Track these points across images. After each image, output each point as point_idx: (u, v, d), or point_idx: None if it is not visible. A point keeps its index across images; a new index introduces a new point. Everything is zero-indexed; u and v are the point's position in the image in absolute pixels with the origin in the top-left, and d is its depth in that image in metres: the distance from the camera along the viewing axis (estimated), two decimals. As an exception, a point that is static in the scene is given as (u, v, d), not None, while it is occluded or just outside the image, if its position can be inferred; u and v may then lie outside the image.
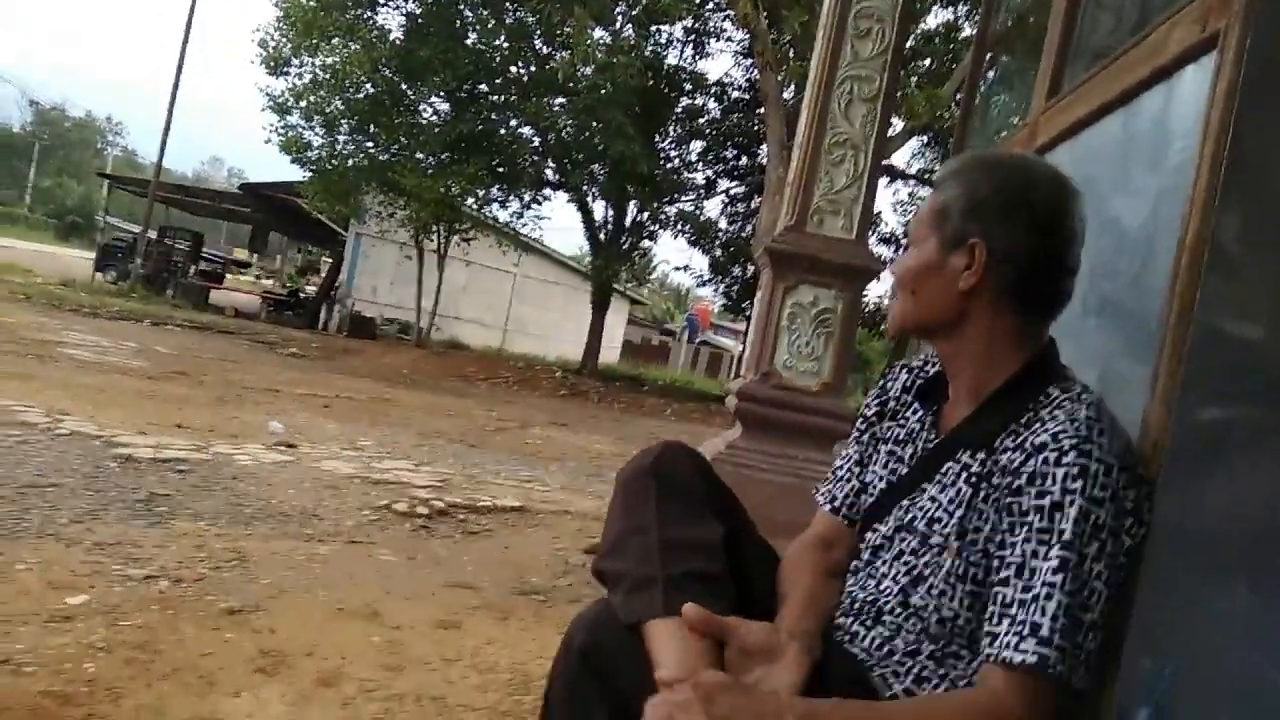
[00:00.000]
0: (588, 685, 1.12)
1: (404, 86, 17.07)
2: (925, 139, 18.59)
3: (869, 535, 1.24)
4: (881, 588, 1.18)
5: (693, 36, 19.21)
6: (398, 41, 16.65)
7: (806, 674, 1.06)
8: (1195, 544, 0.96)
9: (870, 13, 3.66)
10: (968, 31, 15.33)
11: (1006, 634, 0.98)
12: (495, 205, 18.89)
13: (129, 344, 10.44)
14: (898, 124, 14.38)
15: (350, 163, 17.66)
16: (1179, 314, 1.04)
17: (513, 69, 17.57)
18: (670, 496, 1.19)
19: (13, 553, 2.78)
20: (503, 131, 17.65)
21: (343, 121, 17.52)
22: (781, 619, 1.15)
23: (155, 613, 2.51)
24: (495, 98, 17.74)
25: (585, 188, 18.88)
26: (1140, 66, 1.31)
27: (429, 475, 5.30)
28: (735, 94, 20.07)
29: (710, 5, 18.51)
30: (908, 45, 14.14)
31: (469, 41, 16.92)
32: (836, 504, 1.34)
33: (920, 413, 1.26)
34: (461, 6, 17.04)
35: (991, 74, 3.67)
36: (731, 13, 16.12)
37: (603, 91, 15.81)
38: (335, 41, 16.55)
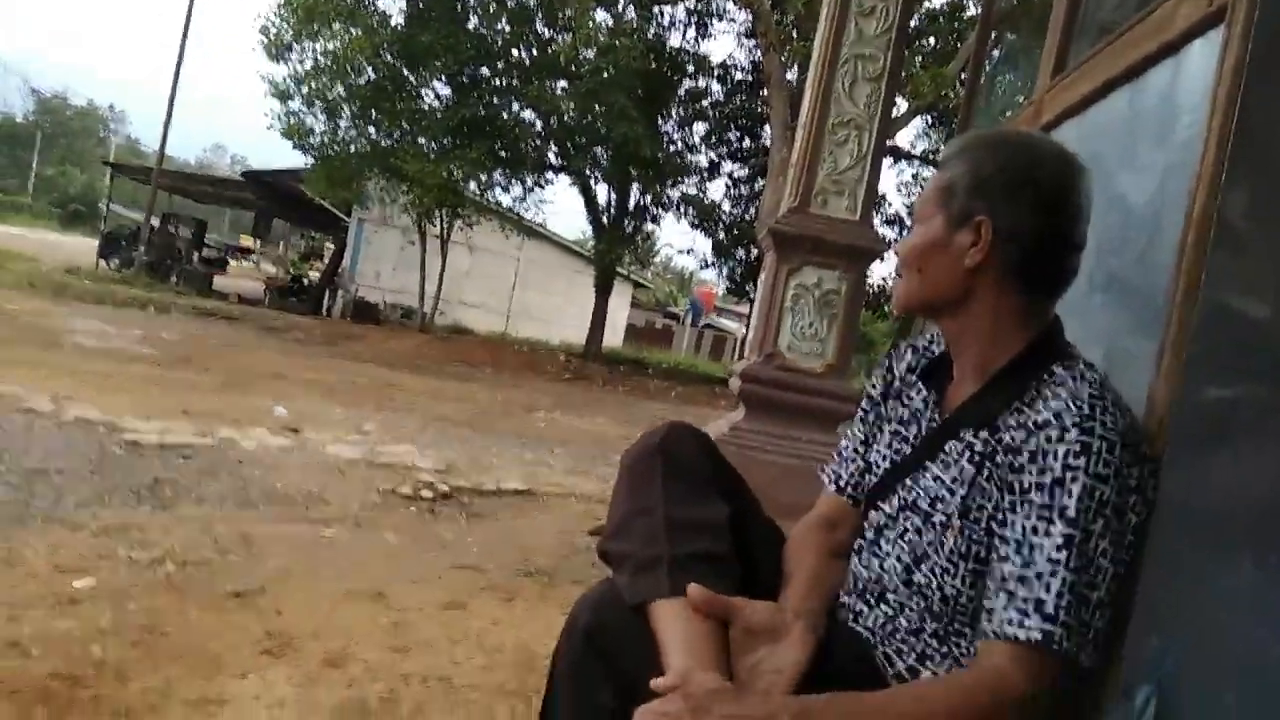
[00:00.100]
0: (592, 665, 1.12)
1: (405, 71, 16.97)
2: (930, 119, 18.50)
3: (873, 514, 1.24)
4: (885, 566, 1.18)
5: (695, 17, 19.10)
6: (399, 26, 16.55)
7: (811, 653, 1.06)
8: (1201, 522, 0.95)
9: (875, -10, 3.63)
10: (972, 10, 15.22)
11: (1006, 609, 0.98)
12: (498, 190, 18.83)
13: (133, 331, 10.46)
14: (902, 104, 14.31)
15: (352, 148, 17.60)
16: (1185, 291, 1.03)
17: (514, 53, 17.47)
18: (676, 477, 1.19)
19: (20, 537, 2.80)
20: (505, 115, 17.57)
21: (344, 107, 17.44)
22: (786, 598, 1.16)
23: (161, 596, 2.52)
24: (497, 82, 17.65)
25: (588, 171, 18.81)
26: (1147, 42, 1.30)
27: (434, 459, 5.31)
28: (738, 75, 19.96)
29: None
30: (912, 24, 14.05)
31: (470, 25, 16.82)
32: (841, 484, 1.34)
33: (924, 392, 1.26)
34: (462, -10, 16.95)
35: (996, 53, 3.65)
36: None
37: (605, 74, 15.73)
38: (336, 27, 16.44)
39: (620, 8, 17.47)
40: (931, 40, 16.44)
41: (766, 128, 17.29)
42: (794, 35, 14.29)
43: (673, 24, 19.09)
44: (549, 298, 26.25)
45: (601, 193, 19.80)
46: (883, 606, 1.16)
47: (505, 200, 19.39)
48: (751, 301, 19.20)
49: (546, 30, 17.18)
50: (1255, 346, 0.94)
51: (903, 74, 10.97)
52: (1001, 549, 1.02)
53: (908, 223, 17.68)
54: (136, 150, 69.45)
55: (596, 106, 16.44)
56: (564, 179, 19.60)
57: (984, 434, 1.11)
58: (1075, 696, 1.04)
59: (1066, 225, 1.12)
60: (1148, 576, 0.97)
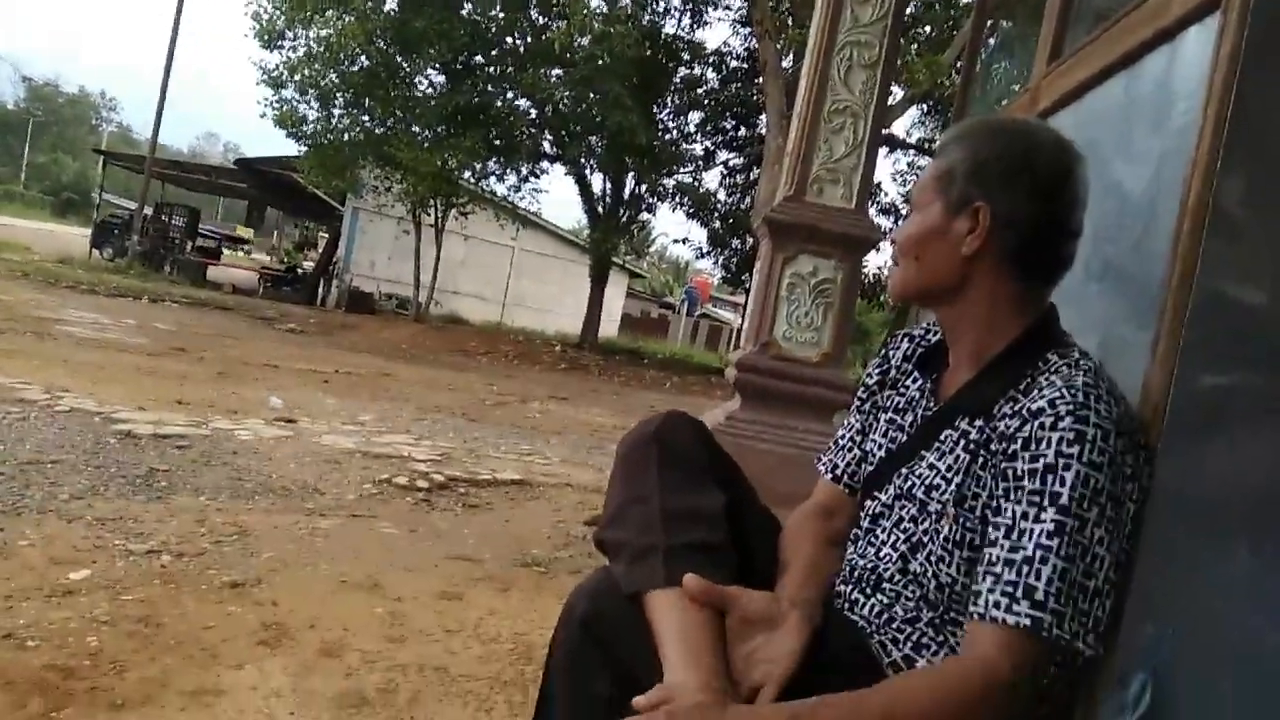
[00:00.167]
0: (589, 654, 1.12)
1: (399, 59, 16.90)
2: (925, 107, 18.45)
3: (869, 503, 1.24)
4: (881, 555, 1.18)
5: (690, 5, 19.00)
6: (392, 13, 16.45)
7: (807, 641, 1.06)
8: (1196, 509, 0.96)
9: (870, -23, 3.62)
10: (968, -2, 15.18)
11: (993, 591, 0.98)
12: (492, 179, 18.78)
13: (127, 321, 10.43)
14: (898, 92, 14.26)
15: (346, 137, 17.54)
16: (1180, 278, 1.03)
17: (509, 40, 17.40)
18: (672, 465, 1.19)
19: (14, 529, 2.79)
20: (499, 104, 17.50)
21: (338, 95, 17.36)
22: (782, 587, 1.16)
23: (157, 587, 2.52)
24: (491, 69, 17.58)
25: (583, 160, 18.76)
26: (1143, 28, 1.30)
27: (429, 449, 5.31)
28: (734, 63, 19.89)
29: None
30: (908, 11, 14.01)
31: (464, 12, 16.74)
32: (838, 472, 1.34)
33: (920, 381, 1.26)
34: (456, -24, 16.85)
35: (992, 40, 3.64)
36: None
37: (600, 62, 15.67)
38: (329, 14, 16.36)
39: (615, -6, 17.39)
40: (927, 28, 16.38)
41: (762, 116, 17.24)
42: (789, 23, 14.25)
43: (668, 11, 19.00)
44: (544, 287, 26.22)
45: (596, 182, 19.77)
46: (878, 595, 1.16)
47: (500, 189, 19.36)
48: (747, 291, 19.21)
49: (541, 17, 17.11)
50: (1250, 334, 0.93)
51: (898, 62, 10.94)
52: (992, 534, 1.02)
53: (903, 212, 17.67)
54: (129, 138, 69.23)
55: (591, 94, 16.38)
56: (559, 168, 19.55)
57: (979, 422, 1.11)
58: (1073, 684, 1.04)
59: (1063, 212, 1.12)
60: (1143, 564, 0.97)
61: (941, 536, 1.10)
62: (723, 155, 21.06)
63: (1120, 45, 1.38)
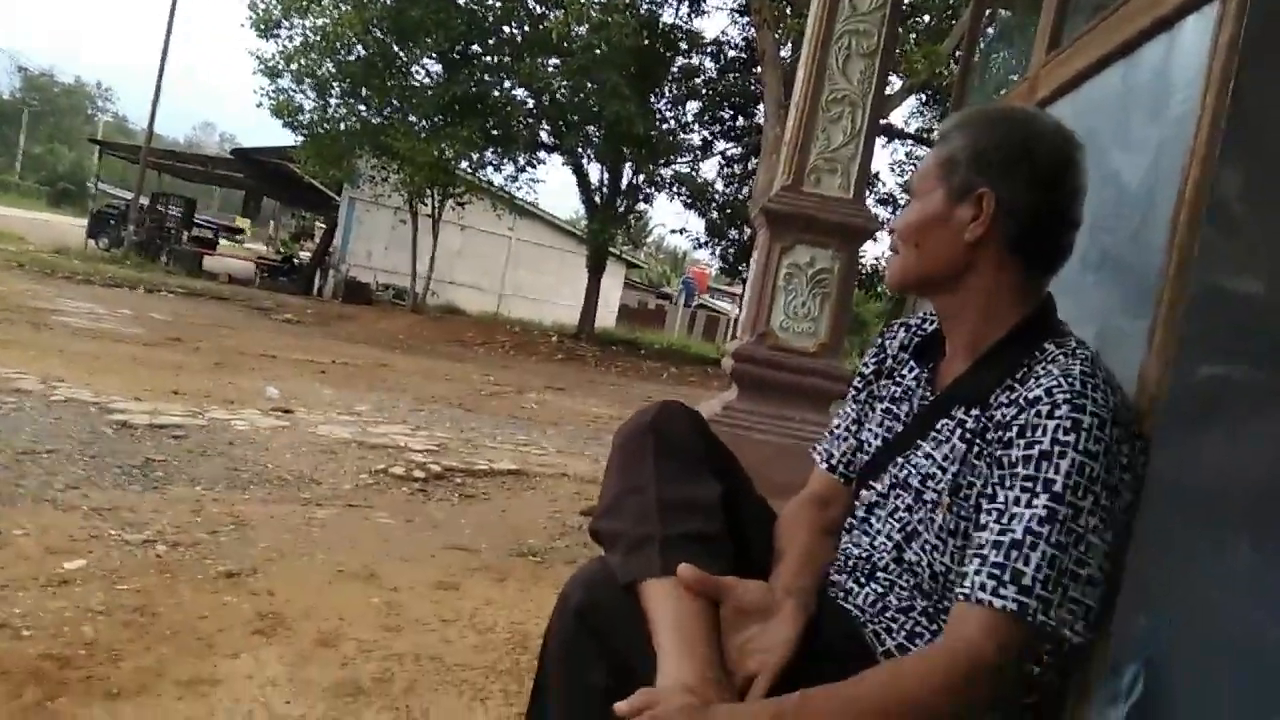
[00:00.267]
0: (585, 643, 1.12)
1: (395, 48, 16.82)
2: (923, 97, 18.39)
3: (864, 493, 1.24)
4: (876, 544, 1.18)
5: (688, -7, 18.93)
6: (388, 2, 16.38)
7: (801, 630, 1.07)
8: (1192, 500, 0.95)
9: (869, -34, 3.60)
10: (967, -12, 15.10)
11: (979, 574, 0.97)
12: (489, 168, 18.73)
13: (123, 311, 10.41)
14: (896, 82, 14.23)
15: (342, 126, 17.47)
16: (1177, 268, 1.02)
17: (506, 29, 17.33)
18: (668, 455, 1.19)
19: (10, 518, 2.79)
20: (496, 93, 17.44)
21: (334, 84, 17.30)
22: (777, 576, 1.16)
23: (153, 577, 2.51)
24: (488, 59, 17.51)
25: (580, 150, 18.70)
26: (1141, 16, 1.29)
27: (426, 439, 5.31)
28: (732, 53, 19.82)
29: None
30: (906, 1, 13.97)
31: (461, 1, 16.66)
32: (833, 462, 1.34)
33: (916, 370, 1.25)
34: (453, -35, 16.75)
35: (991, 30, 3.62)
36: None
37: (597, 51, 15.60)
38: (325, 2, 16.29)
39: (612, -17, 17.30)
40: (926, 17, 16.31)
41: (760, 106, 17.19)
42: (788, 12, 14.18)
43: (665, 0, 18.94)
44: (541, 278, 26.18)
45: (594, 172, 19.70)
46: (873, 584, 1.16)
47: (497, 179, 19.31)
48: (745, 281, 19.17)
49: (538, 6, 17.03)
50: (1248, 325, 0.93)
51: (896, 51, 10.90)
52: (983, 518, 1.02)
53: (901, 202, 17.64)
54: (125, 128, 68.89)
55: (589, 84, 16.32)
56: (556, 158, 19.50)
57: (975, 411, 1.11)
58: (1065, 673, 1.04)
59: (1065, 201, 1.12)
60: (1138, 555, 0.97)
61: (936, 525, 1.10)
62: (720, 145, 21.02)
63: (1119, 34, 1.37)
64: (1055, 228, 1.13)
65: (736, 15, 19.20)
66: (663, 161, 19.86)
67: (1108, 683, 0.95)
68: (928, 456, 1.14)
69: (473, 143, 16.38)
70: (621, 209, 20.34)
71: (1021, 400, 1.03)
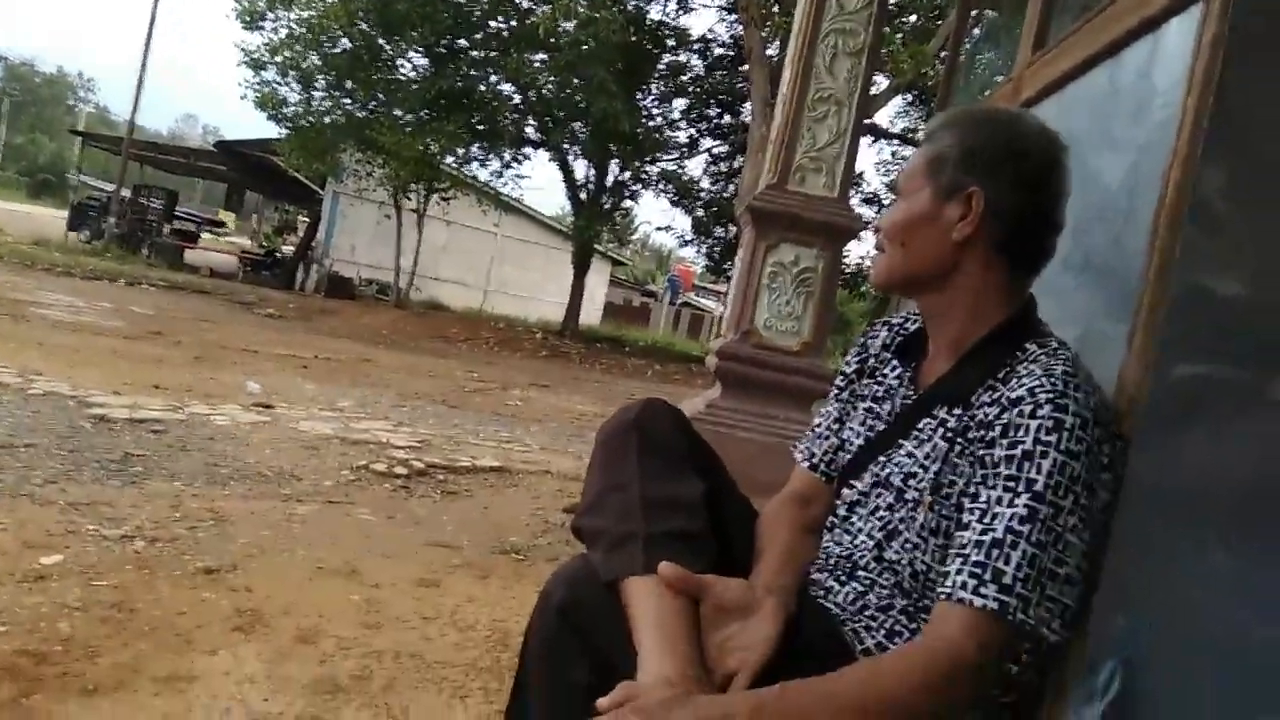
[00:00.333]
0: (567, 641, 1.12)
1: (381, 41, 16.73)
2: (909, 97, 18.44)
3: (846, 491, 1.24)
4: (857, 543, 1.18)
5: (676, -10, 18.90)
6: (375, -6, 16.29)
7: (781, 628, 1.06)
8: (1172, 501, 0.96)
9: (855, -35, 3.61)
10: (953, -11, 15.17)
11: (960, 573, 0.98)
12: (475, 164, 18.66)
13: (103, 304, 10.32)
14: (882, 81, 14.27)
15: (327, 120, 17.36)
16: (1158, 270, 1.03)
17: (493, 24, 17.25)
18: (651, 452, 1.18)
19: (-15, 513, 2.75)
20: (483, 88, 17.37)
21: (319, 77, 17.18)
22: (758, 574, 1.16)
23: (131, 572, 2.49)
24: (475, 53, 17.43)
25: (566, 146, 18.66)
26: (1127, 18, 1.29)
27: (408, 436, 5.28)
28: (719, 50, 19.79)
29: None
30: (893, 0, 14.01)
31: (448, -5, 16.59)
32: (815, 460, 1.34)
33: (899, 369, 1.25)
34: (440, -42, 16.66)
35: (977, 30, 3.64)
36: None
37: (584, 47, 15.56)
38: (311, -6, 16.20)
39: (600, -21, 17.26)
40: (912, 17, 16.37)
41: (746, 104, 17.19)
42: (775, 10, 14.18)
43: (653, -3, 18.89)
44: (526, 274, 26.12)
45: (580, 168, 19.67)
46: (853, 583, 1.16)
47: (483, 175, 19.24)
48: (730, 279, 19.18)
49: (525, 1, 16.96)
50: (1228, 327, 0.94)
51: (883, 50, 10.92)
52: (965, 517, 1.02)
53: (886, 202, 17.68)
54: (107, 119, 68.31)
55: (575, 80, 16.27)
56: (542, 154, 19.43)
57: (958, 410, 1.11)
58: (1043, 671, 1.04)
59: (1050, 203, 1.13)
60: (1117, 555, 0.97)
61: (917, 524, 1.10)
62: (707, 143, 21.02)
63: (1103, 35, 1.37)
64: (1040, 229, 1.13)
65: (724, 13, 19.19)
66: (649, 158, 19.85)
67: (1084, 681, 0.95)
68: (910, 455, 1.14)
69: (458, 138, 16.32)
70: (607, 206, 20.31)
71: (1004, 400, 1.04)
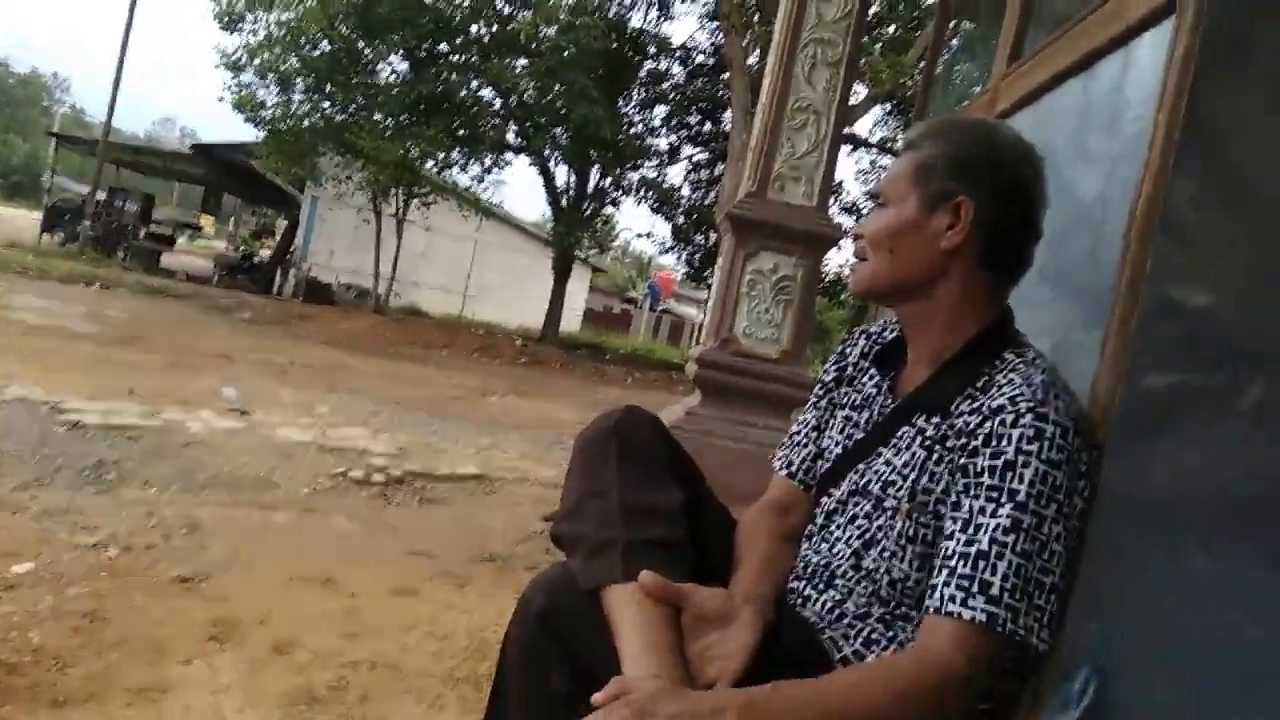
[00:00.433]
0: (546, 649, 1.11)
1: (361, 45, 16.65)
2: (888, 107, 18.58)
3: (824, 500, 1.24)
4: (835, 551, 1.19)
5: (657, -2, 18.97)
6: (355, -3, 16.23)
7: (760, 637, 1.06)
8: (1145, 510, 0.97)
9: (834, -24, 3.63)
10: (931, -1, 15.31)
11: (947, 586, 0.98)
12: (455, 169, 18.60)
13: (78, 307, 10.20)
14: (861, 91, 14.37)
15: (306, 123, 17.24)
16: (1130, 281, 1.04)
17: (473, 28, 17.22)
18: (631, 460, 1.18)
19: (-46, 520, 2.71)
20: (463, 93, 17.32)
21: (298, 80, 17.07)
22: (736, 583, 1.16)
23: (104, 581, 2.46)
24: (455, 58, 17.39)
25: (547, 152, 18.64)
26: (1100, 31, 1.31)
27: (386, 443, 5.25)
28: (700, 58, 19.87)
29: (675, -33, 18.29)
30: (872, 11, 14.10)
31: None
32: (793, 469, 1.34)
33: (877, 378, 1.26)
34: (420, -38, 16.62)
35: (954, 42, 3.67)
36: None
37: (565, 53, 15.57)
38: (290, -3, 16.11)
39: (581, -14, 17.28)
40: (891, 28, 16.50)
41: (727, 112, 17.25)
42: (756, 19, 14.26)
43: (634, 4, 18.93)
44: (506, 280, 26.04)
45: (560, 174, 19.64)
46: (830, 591, 1.17)
47: (463, 180, 19.19)
48: (709, 287, 19.20)
49: (506, 6, 16.94)
50: (1199, 336, 0.95)
51: (861, 61, 10.99)
52: (949, 528, 1.03)
53: (865, 210, 17.77)
54: (82, 121, 67.54)
55: (556, 86, 16.28)
56: (523, 160, 19.40)
57: (936, 419, 1.12)
58: (1021, 678, 1.05)
59: (1034, 212, 1.14)
60: (1091, 563, 0.98)
61: (895, 532, 1.11)
62: (688, 150, 21.06)
63: (1078, 48, 1.39)
64: (1022, 238, 1.15)
65: (705, 21, 19.28)
66: (630, 165, 19.86)
67: (1059, 689, 0.96)
68: (888, 464, 1.15)
69: (439, 142, 16.27)
70: (588, 212, 20.29)
71: (985, 409, 1.04)
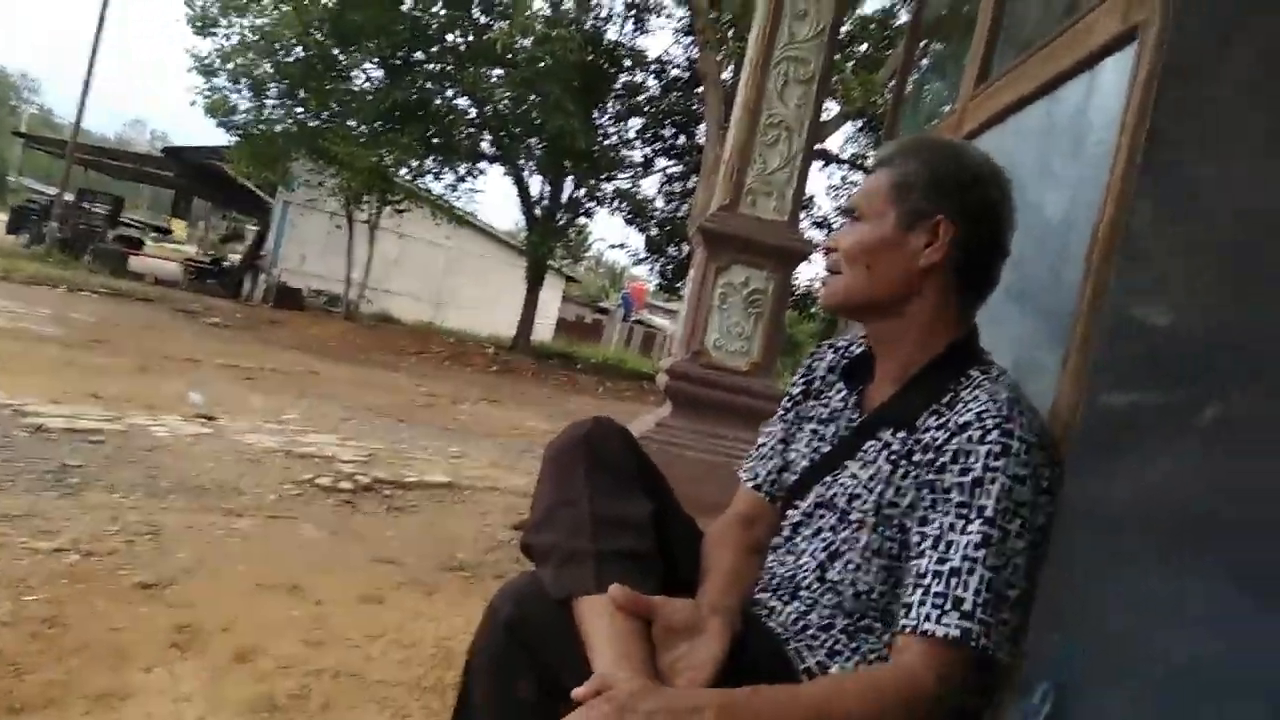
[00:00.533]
0: (514, 657, 1.11)
1: (336, 51, 16.57)
2: (859, 124, 18.76)
3: (790, 512, 1.25)
4: (800, 563, 1.20)
5: (633, 11, 19.04)
6: (330, 4, 16.15)
7: (727, 648, 1.07)
8: (1105, 526, 0.98)
9: (808, -6, 3.68)
10: (904, 17, 15.50)
11: (921, 604, 1.00)
12: (429, 177, 18.53)
13: (43, 310, 10.03)
14: (833, 108, 14.50)
15: (279, 128, 17.12)
16: (1091, 300, 1.06)
17: (449, 37, 17.21)
18: (601, 470, 1.19)
19: (-90, 524, 2.66)
20: (438, 101, 17.30)
21: (271, 85, 16.97)
22: (703, 595, 1.16)
23: (64, 586, 2.42)
24: (431, 66, 17.35)
25: (522, 162, 18.64)
26: (1065, 55, 1.34)
27: (355, 450, 5.21)
28: (675, 72, 19.96)
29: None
30: (845, 30, 14.27)
31: (404, 7, 16.50)
32: (759, 481, 1.35)
33: (844, 392, 1.28)
34: (397, -31, 16.59)
35: (925, 61, 3.72)
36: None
37: (541, 64, 15.60)
38: (265, 2, 16.00)
39: (558, -3, 17.36)
40: (863, 46, 16.69)
41: (701, 125, 17.34)
42: (730, 35, 14.36)
43: (611, 17, 19.03)
44: (479, 289, 25.95)
45: (535, 184, 19.65)
46: (795, 603, 1.18)
47: (436, 188, 19.12)
48: (682, 298, 19.23)
49: (483, 16, 16.95)
50: (1159, 355, 0.97)
51: (833, 79, 11.11)
52: (920, 544, 1.04)
53: (836, 225, 17.90)
54: (50, 122, 66.65)
55: (532, 96, 16.30)
56: (497, 169, 19.39)
57: (902, 434, 1.13)
58: (987, 689, 1.06)
59: (1001, 233, 1.16)
60: (1051, 578, 1.00)
61: (860, 545, 1.12)
62: (662, 162, 21.13)
63: (1043, 71, 1.42)
64: (990, 258, 1.17)
65: (680, 35, 19.40)
66: (604, 176, 19.90)
67: (1019, 702, 0.97)
68: (854, 477, 1.16)
69: (413, 150, 16.21)
70: (562, 222, 20.30)
71: (952, 425, 1.06)
